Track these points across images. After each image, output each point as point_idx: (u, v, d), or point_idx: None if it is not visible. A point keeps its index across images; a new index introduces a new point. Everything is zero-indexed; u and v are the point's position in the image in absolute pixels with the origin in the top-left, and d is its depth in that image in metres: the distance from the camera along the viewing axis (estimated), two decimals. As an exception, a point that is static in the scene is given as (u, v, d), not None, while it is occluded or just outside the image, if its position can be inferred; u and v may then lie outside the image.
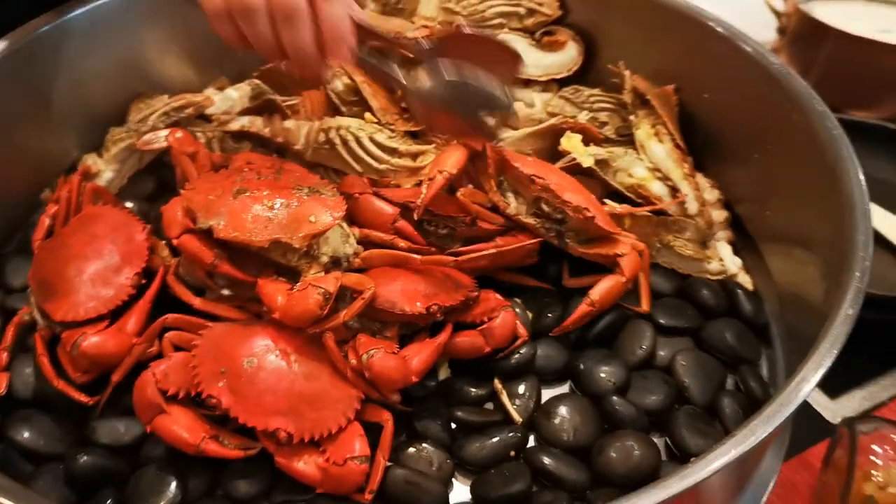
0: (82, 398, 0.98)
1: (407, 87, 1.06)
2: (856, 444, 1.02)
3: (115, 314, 1.03)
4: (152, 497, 0.90)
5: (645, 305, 1.10)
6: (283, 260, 1.01)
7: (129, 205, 1.22)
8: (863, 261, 0.89)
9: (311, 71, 0.98)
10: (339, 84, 1.28)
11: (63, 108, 1.25)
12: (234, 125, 1.26)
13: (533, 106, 1.32)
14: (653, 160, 1.23)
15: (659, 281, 1.16)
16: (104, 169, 1.24)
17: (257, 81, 1.30)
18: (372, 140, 1.21)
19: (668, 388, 1.04)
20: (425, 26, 1.31)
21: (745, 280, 1.20)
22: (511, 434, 0.98)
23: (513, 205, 1.12)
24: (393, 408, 0.97)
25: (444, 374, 1.04)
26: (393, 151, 1.22)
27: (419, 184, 1.18)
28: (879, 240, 1.34)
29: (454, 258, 1.05)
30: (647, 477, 0.93)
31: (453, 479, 0.97)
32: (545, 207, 1.10)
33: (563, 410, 1.00)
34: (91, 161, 1.24)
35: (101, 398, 0.98)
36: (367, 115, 1.26)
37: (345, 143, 1.21)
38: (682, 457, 0.98)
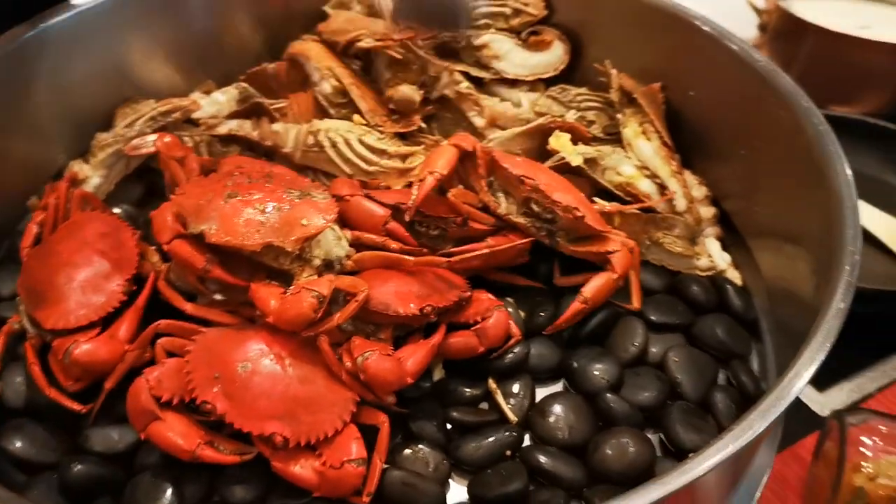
0: (75, 406, 0.97)
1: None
2: (845, 437, 1.04)
3: (107, 321, 1.02)
4: (148, 504, 0.89)
5: (636, 303, 1.11)
6: (275, 263, 1.00)
7: (117, 210, 1.22)
8: (852, 255, 0.90)
9: None
10: (327, 86, 1.28)
11: (49, 114, 1.24)
12: (222, 129, 1.25)
13: (520, 106, 1.33)
14: (640, 158, 1.24)
15: (649, 278, 1.17)
16: (91, 175, 1.23)
17: (244, 85, 1.30)
18: (361, 142, 1.21)
19: (661, 384, 1.04)
20: (411, 27, 1.30)
21: (734, 276, 1.21)
22: (507, 433, 0.98)
23: (503, 205, 1.12)
24: (388, 409, 0.97)
25: (438, 374, 1.04)
26: (382, 153, 1.22)
27: (409, 185, 1.18)
28: (862, 234, 1.35)
29: (447, 259, 1.05)
30: (642, 473, 0.94)
31: (450, 480, 0.97)
32: (535, 207, 1.11)
33: (557, 409, 1.00)
34: (78, 167, 1.23)
35: (93, 406, 0.97)
36: (356, 116, 1.27)
37: (334, 145, 1.21)
38: (676, 452, 0.99)
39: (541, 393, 1.05)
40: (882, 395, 1.25)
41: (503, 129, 1.29)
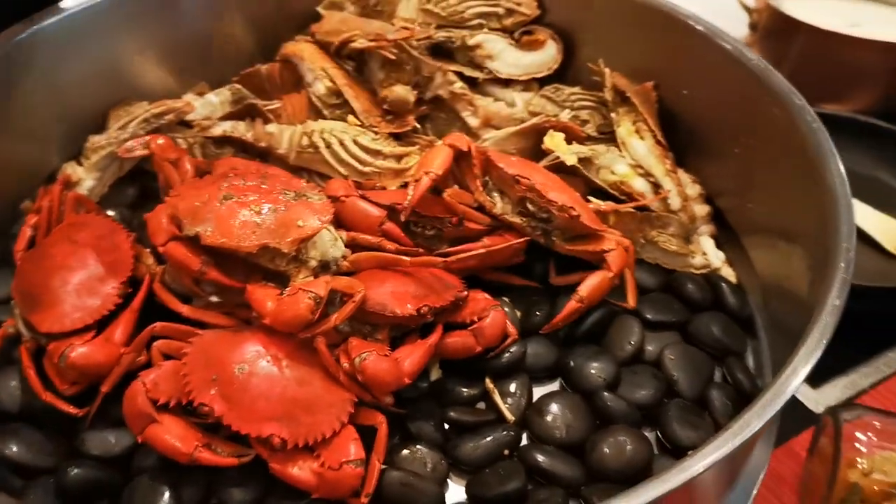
0: (71, 410, 0.96)
1: None
2: (840, 433, 1.04)
3: (102, 324, 1.01)
4: (146, 507, 0.89)
5: (632, 301, 1.11)
6: (271, 265, 1.00)
7: (110, 213, 1.22)
8: (847, 252, 0.90)
9: None
10: (321, 87, 1.27)
11: (42, 117, 1.23)
12: (216, 130, 1.25)
13: (514, 105, 1.33)
14: (634, 157, 1.24)
15: (644, 276, 1.18)
16: (85, 177, 1.22)
17: (238, 86, 1.30)
18: (356, 142, 1.21)
19: (658, 382, 1.05)
20: (405, 27, 1.31)
21: (729, 273, 1.21)
22: (504, 433, 0.98)
23: (499, 204, 1.12)
24: (386, 410, 0.97)
25: (435, 374, 1.04)
26: (377, 153, 1.22)
27: (404, 185, 1.18)
28: (855, 230, 1.37)
29: (443, 259, 1.05)
30: (640, 471, 0.94)
31: (448, 480, 0.97)
32: (531, 207, 1.11)
33: (554, 408, 1.00)
34: (71, 170, 1.23)
35: (90, 409, 0.97)
36: (350, 117, 1.27)
37: (328, 146, 1.21)
38: (673, 450, 1.00)
39: (538, 392, 1.05)
40: (875, 391, 1.26)
41: (497, 128, 1.29)
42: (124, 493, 0.91)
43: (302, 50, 1.32)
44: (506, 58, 1.35)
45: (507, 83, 1.36)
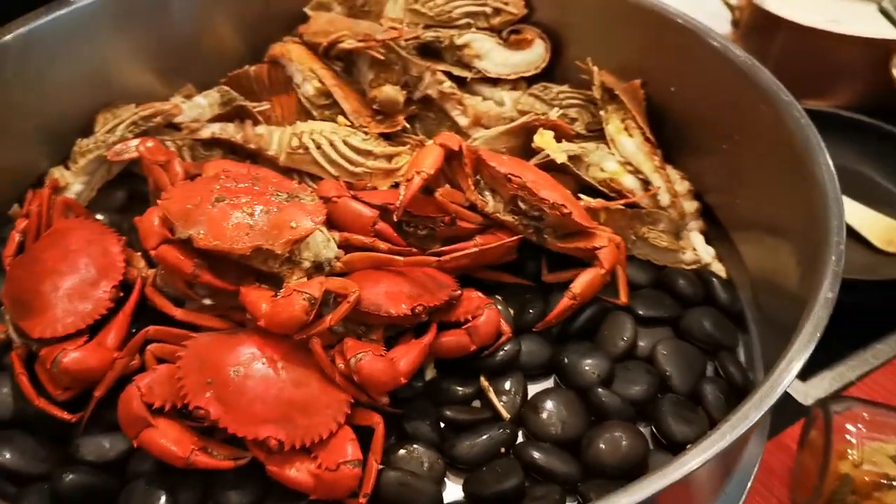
0: (64, 416, 0.96)
1: None
2: (830, 425, 1.06)
3: (94, 329, 1.01)
4: (143, 512, 0.88)
5: (624, 297, 1.12)
6: (264, 267, 1.00)
7: (99, 217, 1.20)
8: (837, 245, 0.91)
9: None
10: (310, 88, 1.27)
11: (28, 121, 1.22)
12: (205, 132, 1.24)
13: (503, 104, 1.33)
14: (623, 154, 1.25)
15: (635, 273, 1.18)
16: (73, 181, 1.21)
17: (226, 88, 1.29)
18: (346, 143, 1.21)
19: (651, 377, 1.05)
20: (393, 28, 1.31)
21: (719, 268, 1.22)
22: (500, 431, 0.98)
23: (490, 203, 1.13)
24: (383, 410, 0.97)
25: (430, 374, 1.04)
26: (368, 154, 1.22)
27: (396, 185, 1.18)
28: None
29: (436, 258, 1.06)
30: (636, 466, 0.95)
31: (445, 479, 0.97)
32: (522, 205, 1.11)
33: (549, 405, 1.01)
34: (59, 174, 1.22)
35: (83, 415, 0.96)
36: (340, 118, 1.26)
37: (318, 147, 1.20)
38: (668, 444, 1.00)
39: (533, 389, 1.05)
40: (862, 383, 1.27)
41: (487, 127, 1.29)
42: (120, 498, 0.91)
43: (290, 51, 1.32)
44: (494, 57, 1.36)
45: (495, 82, 1.36)
